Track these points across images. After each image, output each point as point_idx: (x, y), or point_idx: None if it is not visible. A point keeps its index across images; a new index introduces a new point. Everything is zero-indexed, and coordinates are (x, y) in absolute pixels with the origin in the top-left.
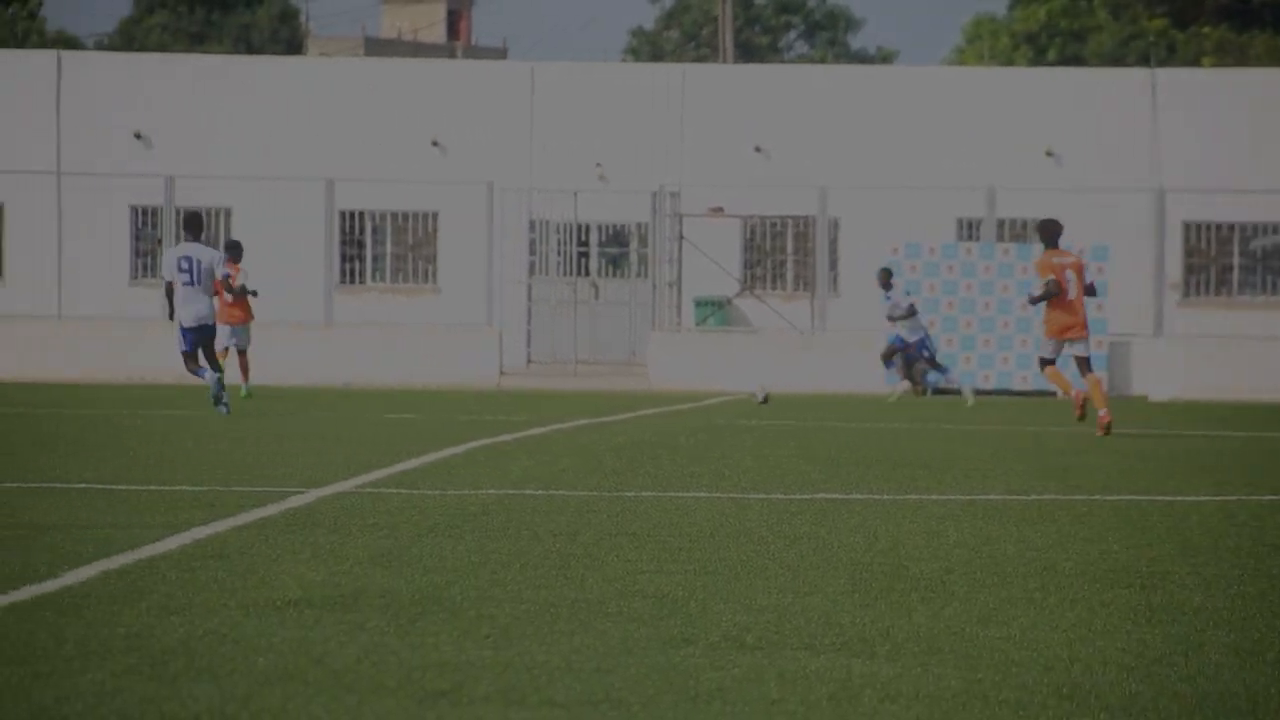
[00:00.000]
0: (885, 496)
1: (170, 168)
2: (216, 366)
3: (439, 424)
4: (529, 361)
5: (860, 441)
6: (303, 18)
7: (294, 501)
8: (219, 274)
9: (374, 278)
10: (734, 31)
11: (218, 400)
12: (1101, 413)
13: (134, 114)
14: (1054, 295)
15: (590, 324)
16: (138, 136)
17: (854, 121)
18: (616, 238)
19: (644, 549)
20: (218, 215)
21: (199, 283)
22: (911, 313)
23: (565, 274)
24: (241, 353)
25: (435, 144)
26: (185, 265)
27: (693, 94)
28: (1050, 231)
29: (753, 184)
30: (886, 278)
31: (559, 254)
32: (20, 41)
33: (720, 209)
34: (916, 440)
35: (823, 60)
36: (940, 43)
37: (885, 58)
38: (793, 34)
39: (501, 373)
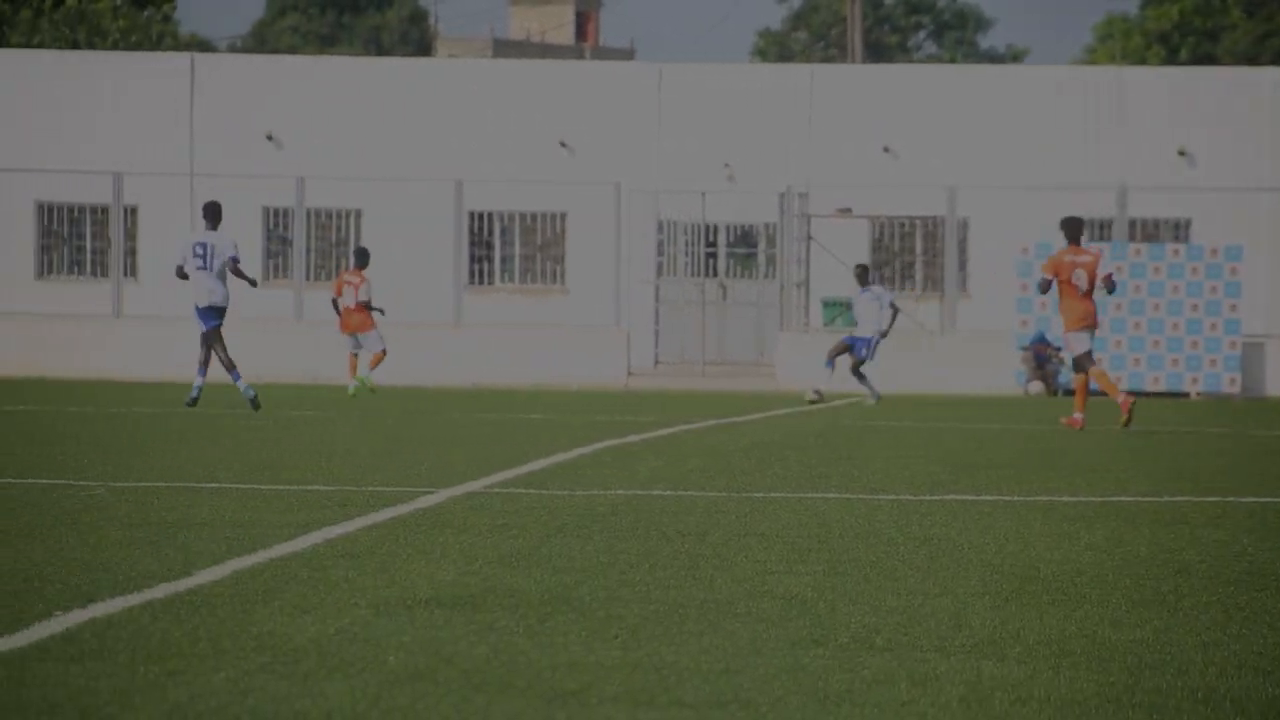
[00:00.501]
0: (1015, 498)
1: (301, 169)
2: (205, 366)
3: (567, 424)
4: (657, 362)
5: (990, 443)
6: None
7: (424, 501)
8: (227, 256)
9: (503, 278)
10: (863, 31)
11: (252, 399)
12: (1077, 416)
13: (266, 116)
14: (1042, 293)
15: (718, 324)
16: (269, 138)
17: (983, 121)
18: (744, 238)
19: (773, 549)
20: (348, 216)
21: (211, 268)
22: (894, 312)
23: (693, 275)
24: (376, 353)
25: (563, 145)
26: (200, 251)
27: (821, 94)
28: (1073, 229)
29: (881, 184)
30: (864, 274)
31: (687, 254)
32: (155, 44)
33: (848, 209)
34: (1046, 441)
35: (952, 60)
36: (1071, 42)
37: (1015, 57)
38: (922, 34)
39: (629, 373)
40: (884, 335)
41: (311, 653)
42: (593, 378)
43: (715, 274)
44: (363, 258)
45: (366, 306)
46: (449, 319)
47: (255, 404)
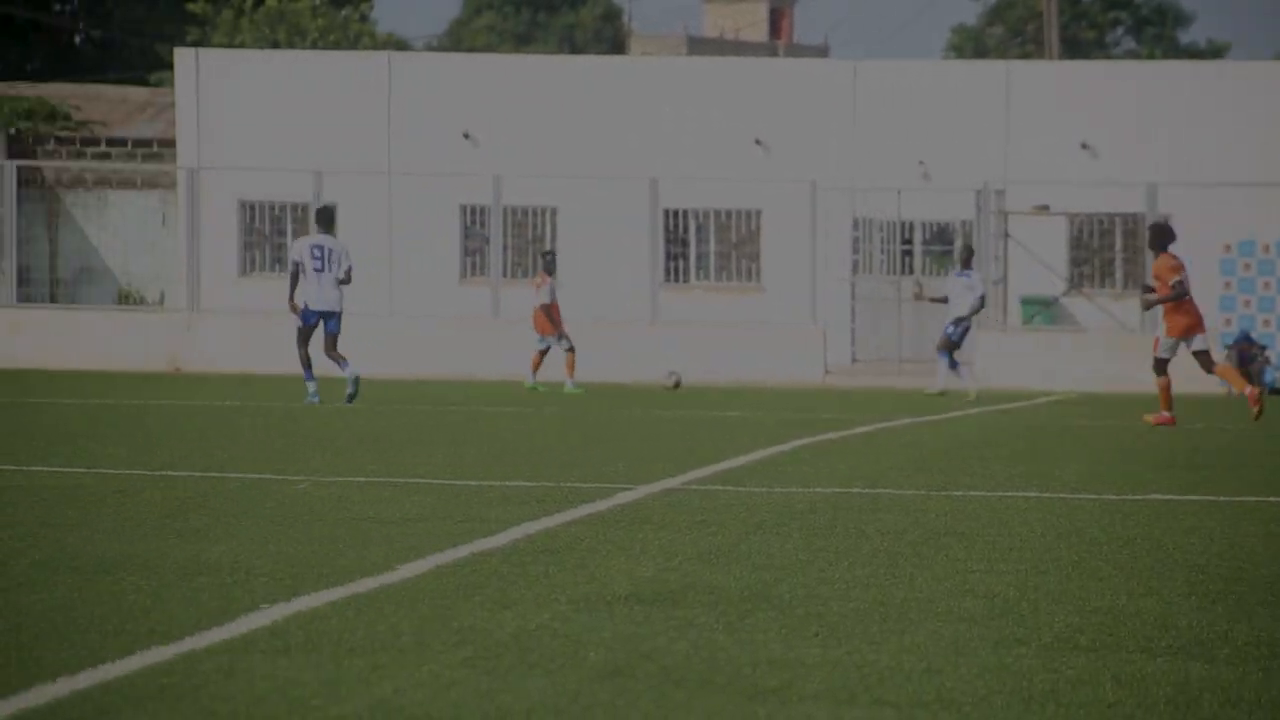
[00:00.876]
0: (1221, 498)
1: (497, 167)
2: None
3: (764, 422)
4: (854, 360)
5: (1194, 442)
6: (626, 17)
7: (623, 497)
8: (345, 264)
9: (698, 276)
10: (1059, 27)
11: (353, 397)
12: (1166, 414)
13: (462, 114)
14: (1182, 298)
15: (915, 322)
16: (466, 136)
17: (1183, 117)
18: (940, 235)
19: (973, 548)
20: (543, 214)
21: (329, 270)
22: (980, 306)
23: (889, 272)
24: (569, 351)
25: (758, 143)
26: (318, 254)
27: (1017, 91)
28: (1166, 235)
29: (1079, 181)
30: (968, 257)
31: (882, 252)
32: (353, 43)
33: (1046, 207)
34: (1253, 441)
35: (1151, 56)
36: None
37: (1216, 52)
38: (1120, 29)
39: (826, 371)
40: (964, 321)
41: (512, 648)
42: (789, 375)
43: (911, 271)
44: (549, 261)
45: (544, 310)
46: (644, 317)
47: (312, 403)
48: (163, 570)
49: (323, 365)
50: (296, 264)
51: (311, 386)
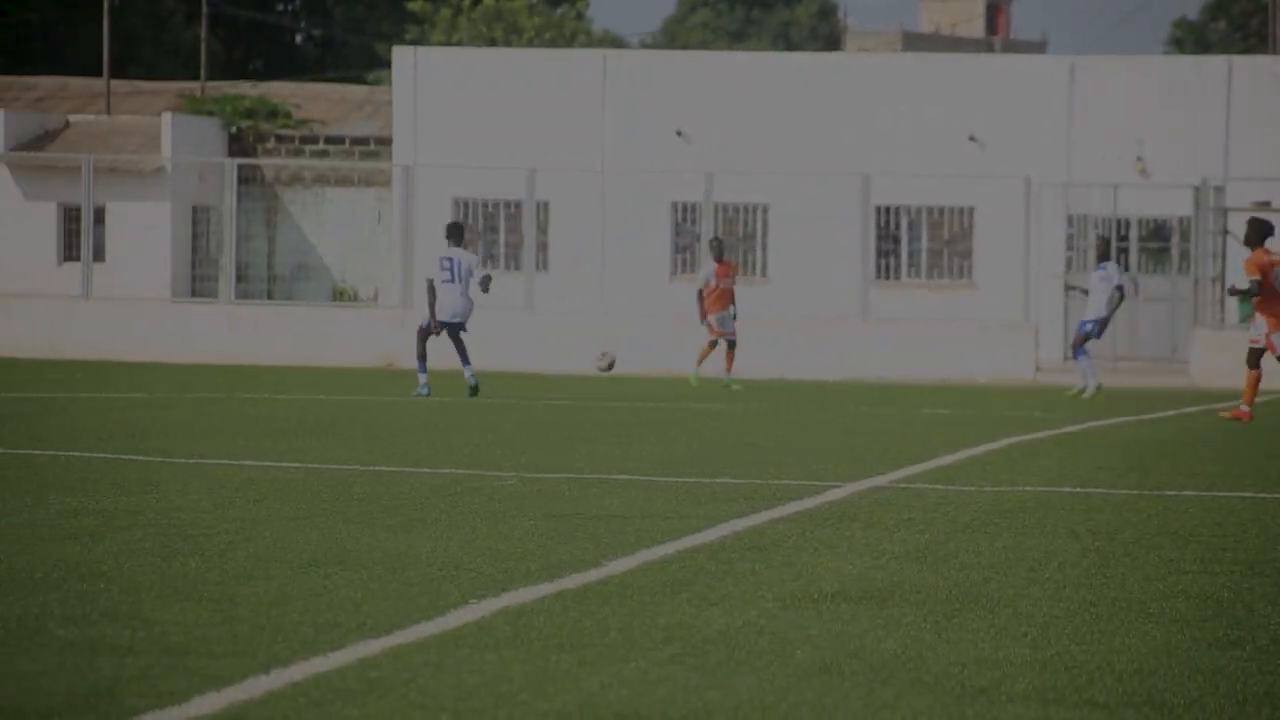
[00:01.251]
0: None
1: (709, 164)
2: (466, 360)
3: (974, 420)
4: (1066, 357)
5: None
6: (841, 14)
7: (830, 495)
8: (477, 276)
9: (909, 273)
10: None
11: (474, 390)
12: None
13: (675, 111)
14: (1255, 295)
15: (1129, 320)
16: (678, 134)
17: None
18: (1157, 232)
19: (1186, 549)
20: (754, 211)
21: (458, 280)
22: (1120, 299)
23: None
24: (730, 345)
25: (972, 139)
26: (447, 265)
27: (1239, 86)
28: (1262, 230)
29: None
30: (1104, 249)
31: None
32: (568, 41)
33: (1267, 203)
34: None
35: None
36: None
37: None
38: None
39: (1037, 368)
40: (1105, 320)
41: (719, 645)
42: (1000, 373)
43: (1127, 268)
44: (718, 248)
45: (710, 295)
46: (855, 314)
47: (421, 395)
48: (373, 564)
49: (442, 360)
50: (431, 280)
51: (423, 379)
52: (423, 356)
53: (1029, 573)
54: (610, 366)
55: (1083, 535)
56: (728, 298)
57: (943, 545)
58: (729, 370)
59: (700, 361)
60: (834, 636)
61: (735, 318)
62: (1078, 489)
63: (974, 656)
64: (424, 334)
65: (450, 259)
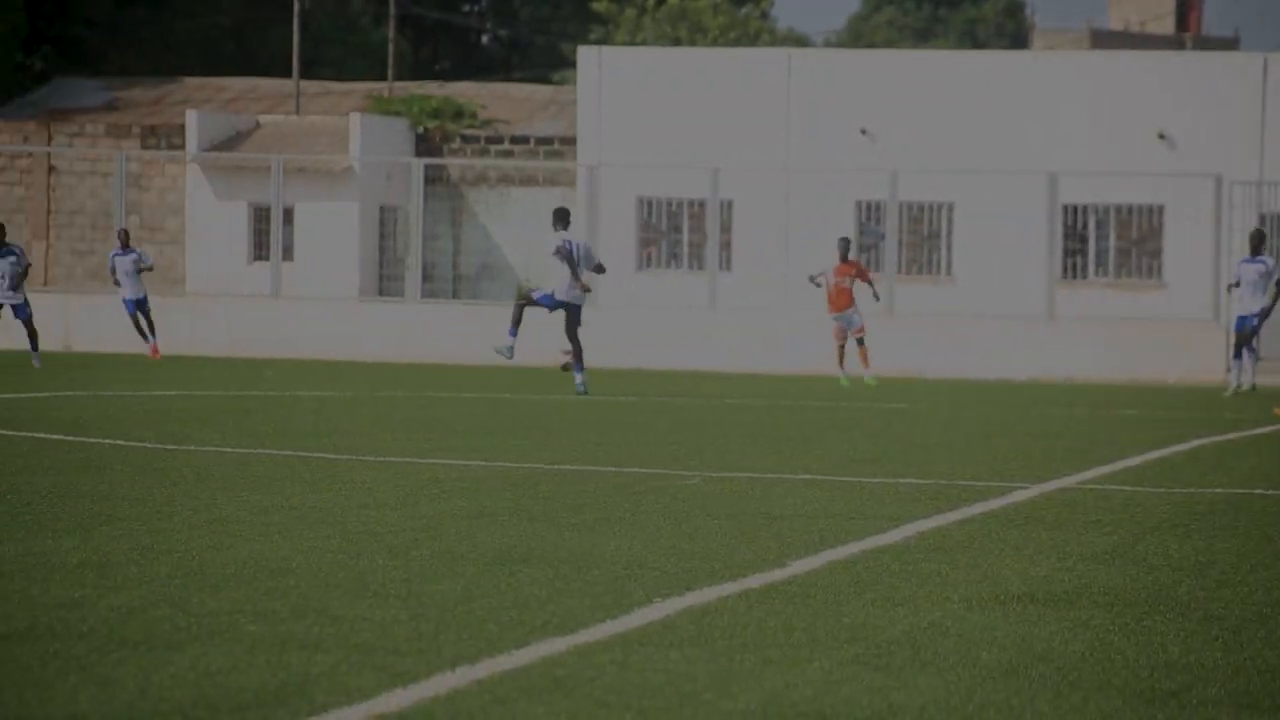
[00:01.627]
0: None
1: (893, 162)
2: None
3: (1163, 420)
4: (1258, 358)
5: None
6: (1029, 11)
7: (1016, 496)
8: (594, 260)
9: (1096, 272)
10: None
11: (568, 368)
12: None
13: (859, 110)
14: None
15: None
16: (863, 132)
17: None
18: None
19: None
20: (939, 210)
21: (581, 264)
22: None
23: None
24: (859, 342)
25: (1161, 137)
26: (568, 249)
27: None
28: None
29: None
30: (1258, 241)
31: None
32: (752, 40)
33: None
34: None
35: None
36: None
37: None
38: None
39: (1228, 369)
40: (1266, 314)
41: (904, 645)
42: (1190, 373)
43: None
44: (846, 246)
45: (815, 282)
46: (1041, 313)
47: (580, 391)
48: (558, 563)
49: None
50: (560, 251)
51: (579, 377)
52: (578, 354)
53: (1220, 575)
54: (566, 367)
55: (1275, 537)
56: (846, 297)
57: (1131, 547)
58: (866, 366)
59: (841, 362)
60: (1020, 638)
61: (855, 317)
62: (1270, 490)
63: (1164, 660)
64: (532, 303)
65: (569, 241)
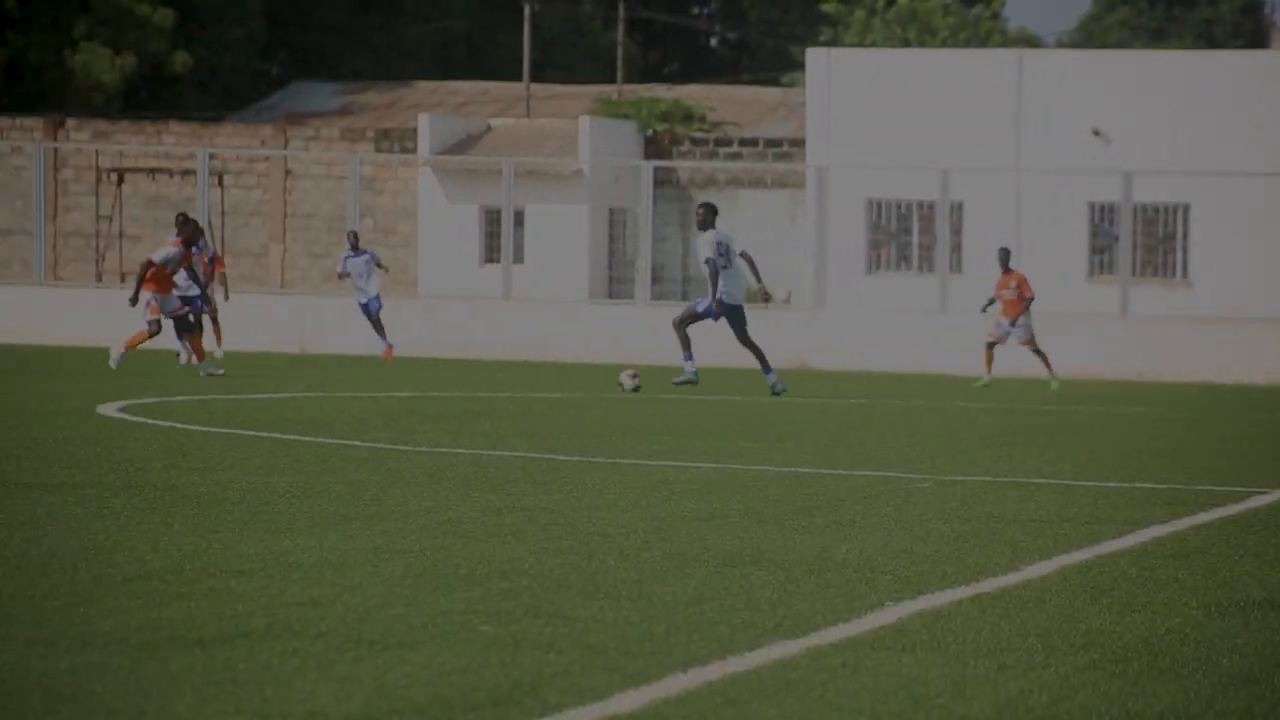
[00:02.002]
0: None
1: (1127, 164)
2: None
3: None
4: None
5: None
6: (1268, 10)
7: (1255, 501)
8: (736, 253)
9: None
10: None
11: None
12: None
13: (1092, 110)
14: None
15: None
16: (1095, 133)
17: None
18: None
19: None
20: (1174, 212)
21: (731, 264)
22: None
23: None
24: (990, 345)
25: None
26: (723, 250)
27: None
28: None
29: None
30: None
31: None
32: (983, 41)
33: None
34: None
35: None
36: None
37: None
38: None
39: None
40: None
41: (1141, 652)
42: None
43: None
44: (1005, 257)
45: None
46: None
47: (690, 381)
48: (790, 565)
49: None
50: (711, 261)
51: (771, 377)
52: (761, 355)
53: None
54: (637, 389)
55: None
56: (1009, 308)
57: None
58: (1050, 371)
59: (1048, 366)
60: (1262, 646)
61: (1024, 327)
62: None
63: None
64: (698, 318)
65: (722, 241)
